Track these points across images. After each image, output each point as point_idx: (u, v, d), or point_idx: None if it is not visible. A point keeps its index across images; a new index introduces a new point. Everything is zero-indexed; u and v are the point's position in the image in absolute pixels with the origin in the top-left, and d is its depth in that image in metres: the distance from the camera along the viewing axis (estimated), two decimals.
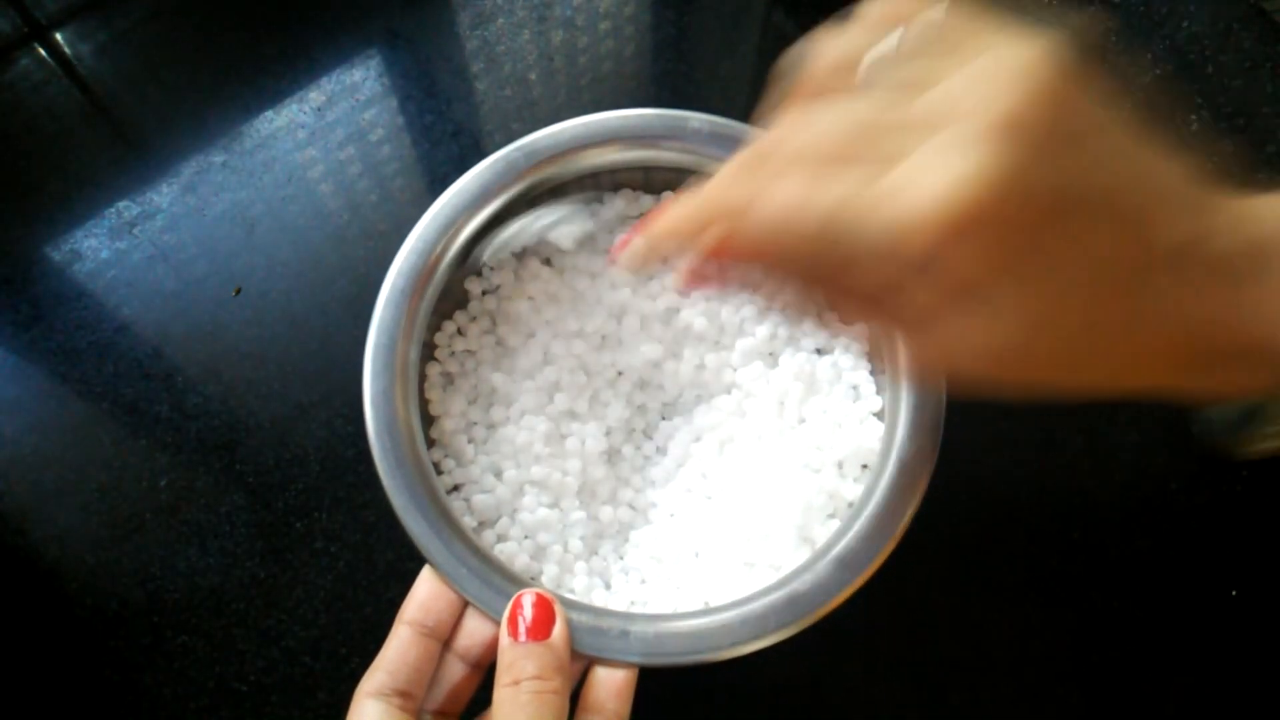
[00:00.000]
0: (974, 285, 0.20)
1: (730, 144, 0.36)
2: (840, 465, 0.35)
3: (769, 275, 0.25)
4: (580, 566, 0.35)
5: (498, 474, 0.36)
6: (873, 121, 0.21)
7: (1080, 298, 0.21)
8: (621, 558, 0.36)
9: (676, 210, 0.25)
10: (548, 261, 0.39)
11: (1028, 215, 0.19)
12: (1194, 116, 0.49)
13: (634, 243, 0.26)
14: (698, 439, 0.38)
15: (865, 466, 0.35)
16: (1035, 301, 0.20)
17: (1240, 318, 0.21)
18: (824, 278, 0.23)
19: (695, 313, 0.38)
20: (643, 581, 0.35)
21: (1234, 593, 0.40)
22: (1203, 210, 0.21)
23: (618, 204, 0.38)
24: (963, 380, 0.23)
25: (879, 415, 0.36)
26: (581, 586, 0.34)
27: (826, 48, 0.25)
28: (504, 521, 0.35)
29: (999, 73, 0.19)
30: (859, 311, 0.24)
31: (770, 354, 0.38)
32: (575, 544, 0.35)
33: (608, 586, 0.35)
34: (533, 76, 0.50)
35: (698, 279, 0.26)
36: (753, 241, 0.22)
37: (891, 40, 0.22)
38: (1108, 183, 0.20)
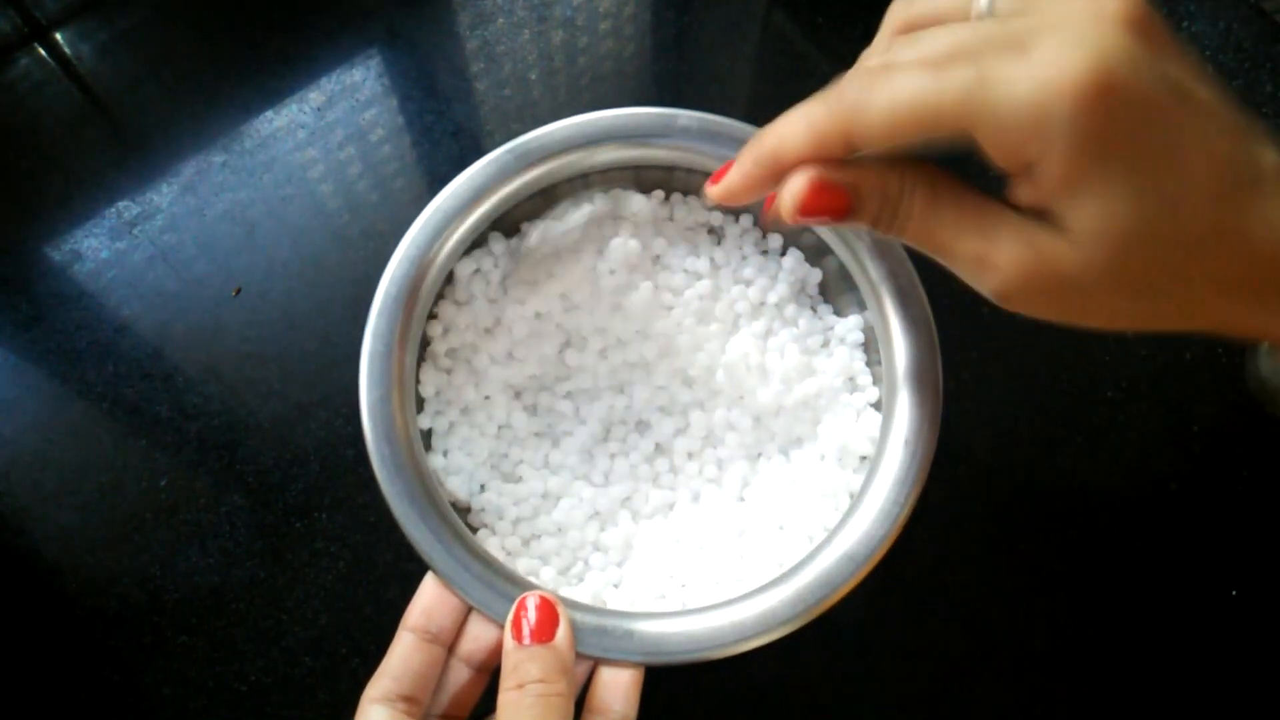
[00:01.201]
0: (1110, 154, 0.21)
1: (721, 140, 0.36)
2: (839, 457, 0.35)
3: (874, 190, 0.25)
4: (582, 567, 0.35)
5: (497, 474, 0.36)
6: (988, 33, 0.22)
7: (1199, 192, 0.21)
8: (623, 558, 0.36)
9: (781, 125, 0.24)
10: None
11: (1156, 96, 0.20)
12: None
13: (734, 168, 0.26)
14: (696, 435, 0.38)
15: (864, 458, 0.35)
16: (1158, 185, 0.21)
17: None
18: (935, 178, 0.23)
19: (689, 311, 0.38)
20: (645, 580, 0.35)
21: (1234, 593, 0.40)
22: None
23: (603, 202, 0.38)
24: (1042, 304, 0.24)
25: (876, 407, 0.36)
26: (584, 587, 0.34)
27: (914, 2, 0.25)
28: (505, 524, 0.35)
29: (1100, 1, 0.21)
30: (960, 219, 0.24)
31: (767, 343, 0.38)
32: (577, 544, 0.35)
33: (614, 586, 0.35)
34: (533, 76, 0.50)
35: (801, 206, 0.25)
36: (881, 125, 0.22)
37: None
38: (1212, 95, 0.22)
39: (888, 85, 0.22)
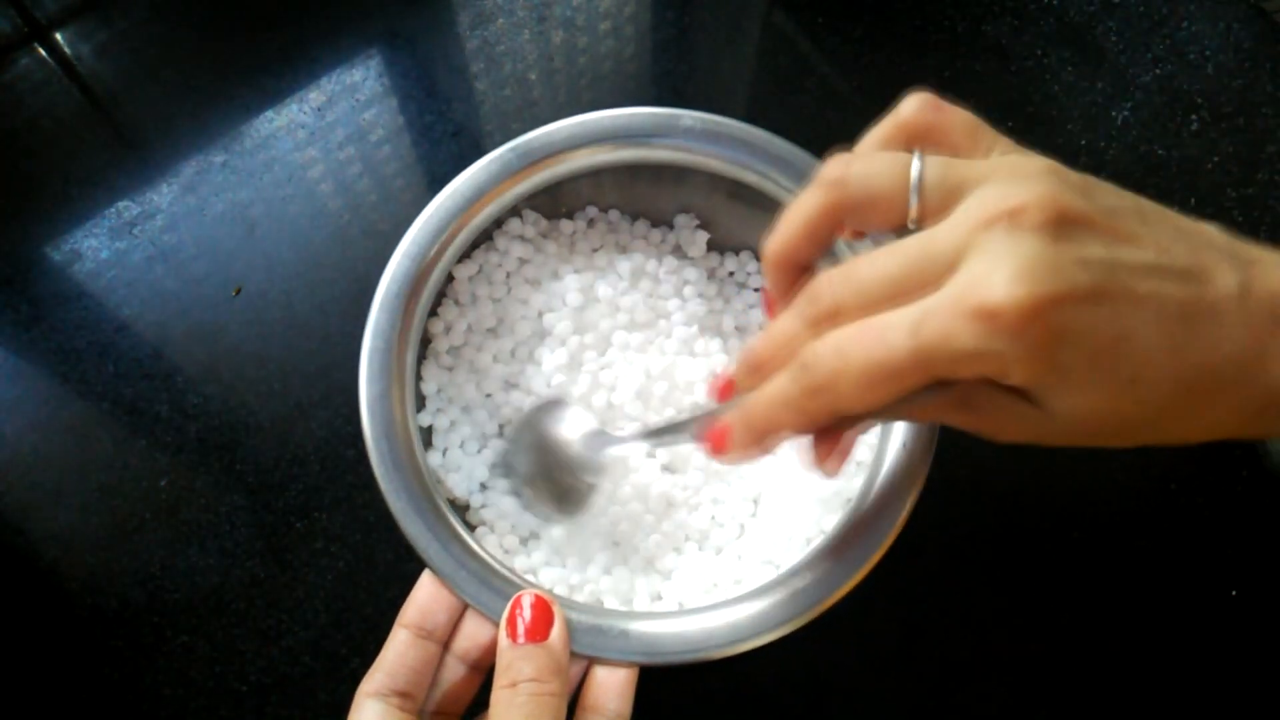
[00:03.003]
0: (1061, 358, 0.21)
1: (721, 140, 0.36)
2: None
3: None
4: (577, 565, 0.34)
5: (496, 473, 0.36)
6: (916, 263, 0.22)
7: (1161, 352, 0.21)
8: (621, 559, 0.36)
9: (761, 401, 0.25)
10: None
11: (1087, 289, 0.21)
12: (1194, 116, 0.49)
13: (733, 435, 0.26)
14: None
15: (859, 463, 0.35)
16: (1115, 367, 0.22)
17: None
18: (919, 406, 0.24)
19: (683, 317, 0.38)
20: (642, 580, 0.35)
21: (1234, 593, 0.40)
22: (1250, 258, 0.23)
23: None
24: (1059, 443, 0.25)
25: None
26: (580, 586, 0.34)
27: (849, 184, 0.25)
28: (503, 523, 0.35)
29: (1015, 195, 0.21)
30: (954, 417, 0.26)
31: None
32: (574, 544, 0.35)
33: (610, 585, 0.35)
34: (533, 76, 0.50)
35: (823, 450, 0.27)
36: (859, 401, 0.23)
37: (912, 175, 0.24)
38: (1158, 246, 0.22)
39: (848, 363, 0.22)
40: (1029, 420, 0.24)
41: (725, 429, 0.26)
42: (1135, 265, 0.21)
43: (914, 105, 0.25)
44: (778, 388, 0.24)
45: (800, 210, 0.25)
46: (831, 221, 0.25)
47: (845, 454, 0.28)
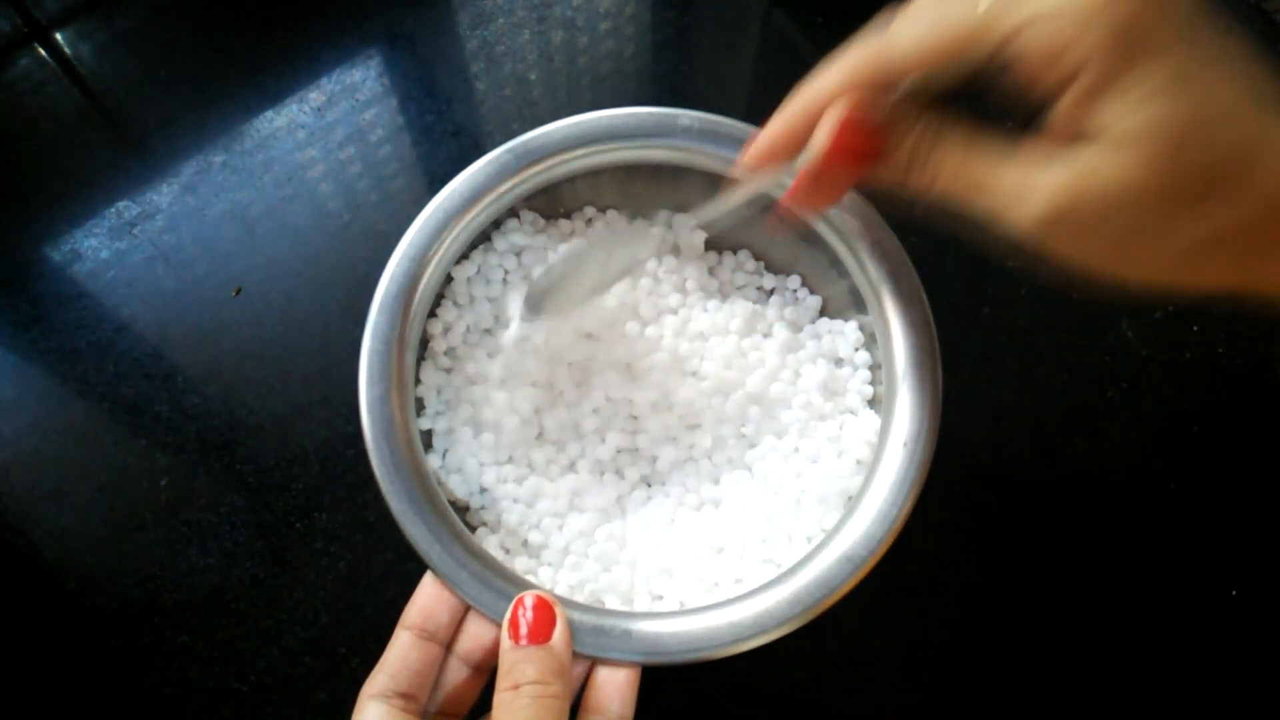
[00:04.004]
0: (1150, 46, 0.20)
1: (721, 140, 0.36)
2: (838, 457, 0.35)
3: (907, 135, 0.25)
4: (579, 565, 0.34)
5: (496, 474, 0.36)
6: None
7: (1242, 97, 0.21)
8: (621, 558, 0.36)
9: (813, 75, 0.25)
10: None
11: (1183, 27, 0.20)
12: None
13: (765, 128, 0.26)
14: (695, 433, 0.38)
15: (859, 461, 0.35)
16: (1202, 84, 0.20)
17: None
18: (966, 123, 0.23)
19: (695, 311, 0.38)
20: (644, 580, 0.35)
21: (1234, 593, 0.40)
22: None
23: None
24: (1086, 236, 0.23)
25: (874, 406, 0.36)
26: (582, 586, 0.34)
27: None
28: (503, 523, 0.35)
29: None
30: (998, 154, 0.24)
31: (765, 335, 0.38)
32: (575, 544, 0.35)
33: (612, 585, 0.35)
34: (533, 76, 0.50)
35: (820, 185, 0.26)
36: (914, 50, 0.22)
37: None
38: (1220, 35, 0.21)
39: (915, 13, 0.22)
40: (1075, 167, 0.22)
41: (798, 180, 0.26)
42: (1213, 41, 0.21)
43: None
44: (829, 63, 0.24)
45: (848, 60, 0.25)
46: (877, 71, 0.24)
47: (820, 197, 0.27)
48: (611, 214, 0.40)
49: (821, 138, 0.25)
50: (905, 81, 0.25)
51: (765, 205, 0.34)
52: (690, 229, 0.40)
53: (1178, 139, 0.21)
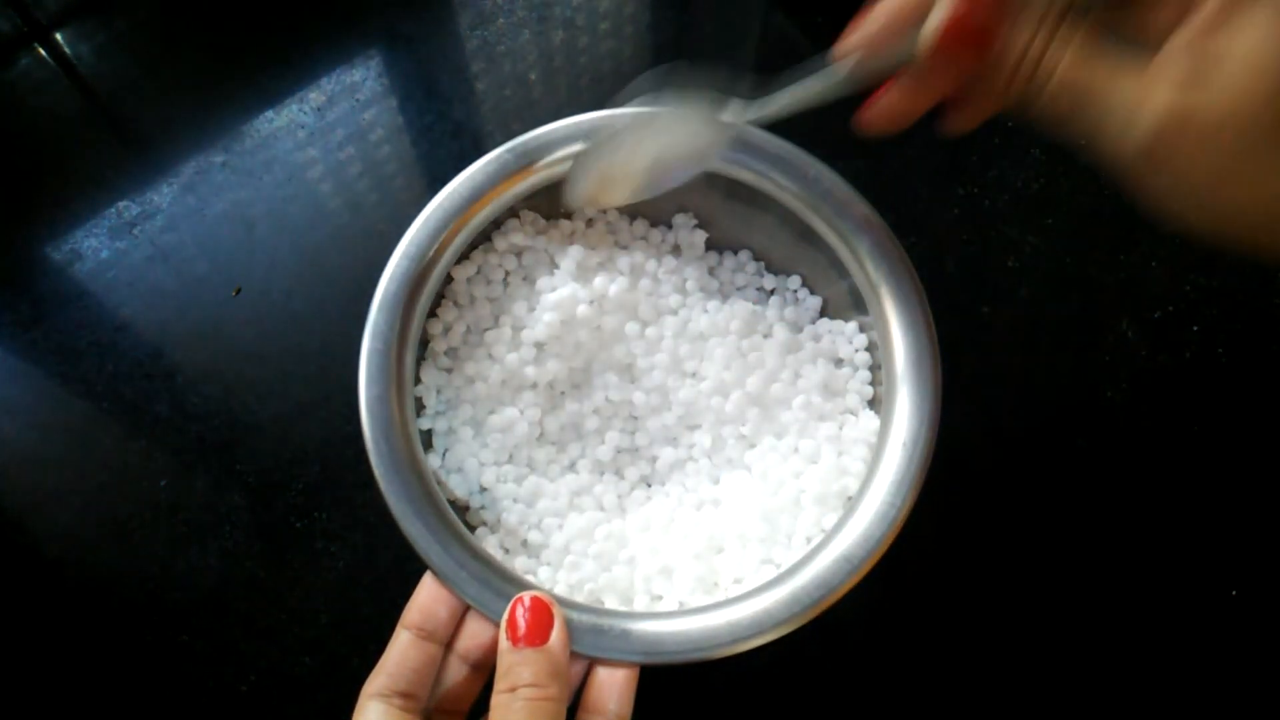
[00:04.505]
0: None
1: None
2: (838, 457, 0.35)
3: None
4: (579, 565, 0.34)
5: (495, 473, 0.36)
6: None
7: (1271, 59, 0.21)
8: (620, 557, 0.36)
9: None
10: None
11: None
12: None
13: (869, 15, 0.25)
14: (695, 434, 0.38)
15: (859, 461, 0.35)
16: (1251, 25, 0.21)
17: None
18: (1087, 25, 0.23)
19: (695, 312, 0.38)
20: (643, 579, 0.35)
21: (1234, 593, 0.40)
22: None
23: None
24: (1196, 155, 0.23)
25: (874, 406, 0.36)
26: (581, 586, 0.34)
27: None
28: (503, 523, 0.35)
29: None
30: (1117, 59, 0.24)
31: (765, 336, 0.38)
32: (574, 543, 0.35)
33: (611, 585, 0.35)
34: (533, 76, 0.50)
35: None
36: None
37: None
38: None
39: None
40: (1190, 83, 0.22)
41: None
42: None
43: None
44: None
45: None
46: None
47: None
48: (612, 214, 0.40)
49: (935, 22, 0.24)
50: None
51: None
52: (691, 228, 0.40)
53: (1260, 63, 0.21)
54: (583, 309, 0.37)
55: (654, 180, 0.34)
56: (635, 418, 0.38)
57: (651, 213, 0.40)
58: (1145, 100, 0.23)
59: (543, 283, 0.37)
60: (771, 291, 0.40)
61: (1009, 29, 0.24)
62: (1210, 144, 0.22)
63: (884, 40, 0.26)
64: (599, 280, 0.37)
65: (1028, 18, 0.24)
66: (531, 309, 0.37)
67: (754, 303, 0.39)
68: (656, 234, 0.40)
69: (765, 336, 0.38)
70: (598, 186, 0.34)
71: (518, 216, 0.38)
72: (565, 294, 0.37)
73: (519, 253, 0.39)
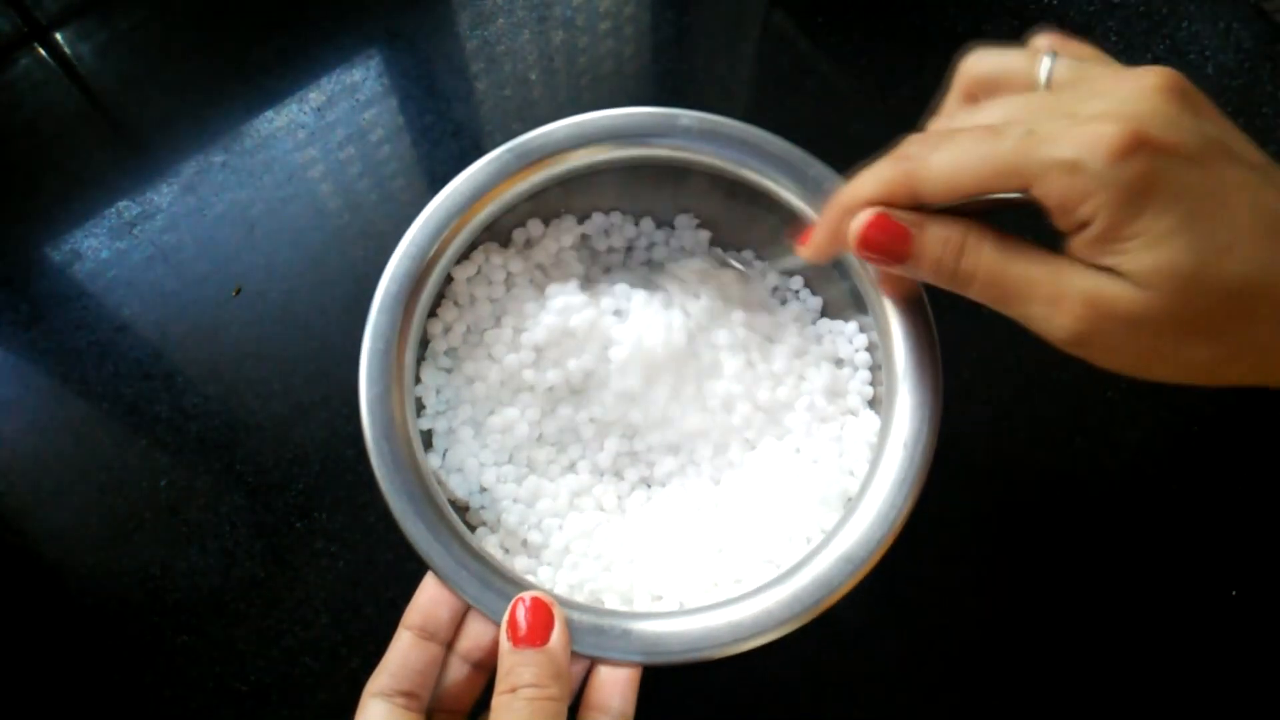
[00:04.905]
0: (1152, 201, 0.22)
1: (721, 140, 0.36)
2: (838, 458, 0.35)
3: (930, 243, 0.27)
4: (579, 564, 0.35)
5: (496, 474, 0.36)
6: (1041, 103, 0.25)
7: (1247, 235, 0.22)
8: (621, 557, 0.36)
9: (852, 181, 0.28)
10: (540, 268, 0.39)
11: (1194, 149, 0.22)
12: None
13: (815, 227, 0.30)
14: (696, 441, 0.38)
15: (860, 462, 0.35)
16: (1205, 229, 0.22)
17: None
18: (999, 232, 0.26)
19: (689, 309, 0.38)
20: (643, 579, 0.35)
21: (1234, 593, 0.40)
22: None
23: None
24: (1115, 348, 0.25)
25: (874, 407, 0.36)
26: (582, 586, 0.34)
27: (982, 60, 0.28)
28: (503, 523, 0.35)
29: (1142, 74, 0.24)
30: (1030, 264, 0.25)
31: (767, 339, 0.38)
32: (575, 544, 0.35)
33: (611, 585, 0.35)
34: (533, 76, 0.50)
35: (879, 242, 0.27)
36: (943, 178, 0.25)
37: (1042, 67, 0.26)
38: (1256, 155, 0.24)
39: (949, 143, 0.25)
40: (1101, 289, 0.24)
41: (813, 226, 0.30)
42: (1241, 154, 0.23)
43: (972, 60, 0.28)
44: (869, 167, 0.27)
45: (876, 177, 0.27)
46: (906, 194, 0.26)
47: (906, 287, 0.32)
48: (614, 214, 0.40)
49: (852, 231, 0.27)
50: (934, 205, 0.26)
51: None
52: (693, 229, 0.40)
53: (1186, 278, 0.22)
54: (579, 320, 0.37)
55: None
56: (634, 424, 0.38)
57: (653, 213, 0.40)
58: (1063, 298, 0.24)
59: (550, 288, 0.37)
60: (775, 289, 0.40)
61: (919, 235, 0.26)
62: (1124, 345, 0.24)
63: (824, 252, 0.31)
64: (605, 303, 0.37)
65: (935, 225, 0.26)
66: (534, 312, 0.38)
67: (757, 304, 0.39)
68: (660, 235, 0.40)
69: (769, 340, 0.38)
70: None
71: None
72: (570, 302, 0.37)
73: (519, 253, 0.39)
